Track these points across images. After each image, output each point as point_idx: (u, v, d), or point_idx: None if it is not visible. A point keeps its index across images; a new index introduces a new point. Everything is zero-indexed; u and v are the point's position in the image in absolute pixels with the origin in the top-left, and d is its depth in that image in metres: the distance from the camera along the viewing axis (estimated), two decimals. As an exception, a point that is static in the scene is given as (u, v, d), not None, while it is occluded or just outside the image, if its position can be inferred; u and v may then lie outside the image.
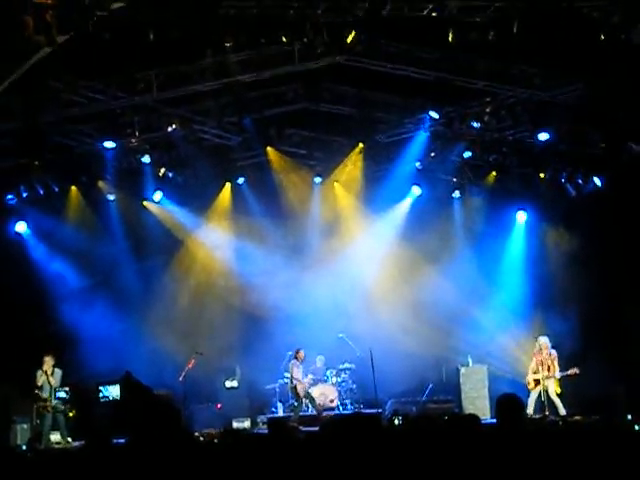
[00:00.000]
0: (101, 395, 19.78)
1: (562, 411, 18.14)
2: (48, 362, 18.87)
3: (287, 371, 21.75)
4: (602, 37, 15.07)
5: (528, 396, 18.56)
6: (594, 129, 19.08)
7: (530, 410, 18.30)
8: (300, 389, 20.63)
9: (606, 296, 19.82)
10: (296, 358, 20.87)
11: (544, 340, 18.92)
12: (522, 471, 5.40)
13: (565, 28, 15.44)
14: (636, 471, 5.61)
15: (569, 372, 18.53)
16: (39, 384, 18.76)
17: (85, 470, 6.25)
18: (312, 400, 20.70)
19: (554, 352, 18.82)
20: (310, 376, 21.17)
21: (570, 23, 15.12)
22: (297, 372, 20.74)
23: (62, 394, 19.17)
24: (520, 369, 19.87)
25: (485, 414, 18.86)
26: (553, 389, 18.56)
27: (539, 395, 18.55)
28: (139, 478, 5.83)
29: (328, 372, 21.94)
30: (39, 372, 18.79)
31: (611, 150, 19.14)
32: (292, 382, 20.69)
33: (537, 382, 18.72)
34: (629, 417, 16.61)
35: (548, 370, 18.65)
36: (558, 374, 18.56)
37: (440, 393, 21.25)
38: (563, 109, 18.80)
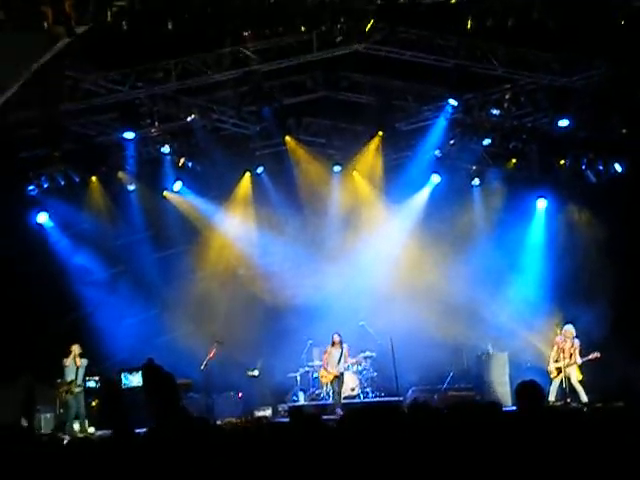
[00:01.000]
0: (123, 383, 19.91)
1: (584, 398, 18.08)
2: (75, 351, 19.02)
3: (309, 359, 21.84)
4: (622, 21, 14.98)
5: (550, 384, 18.50)
6: (614, 114, 18.92)
7: (552, 397, 18.25)
8: (322, 375, 20.77)
9: (628, 283, 19.68)
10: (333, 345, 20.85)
11: (570, 328, 18.82)
12: (542, 457, 5.39)
13: (585, 12, 15.36)
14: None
15: (590, 357, 18.45)
16: (67, 364, 18.91)
17: (111, 459, 6.28)
18: (334, 391, 20.60)
19: (577, 341, 18.70)
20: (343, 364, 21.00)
21: (590, 7, 15.04)
22: (324, 357, 20.86)
23: (92, 383, 19.33)
24: (541, 357, 19.80)
25: (506, 401, 18.80)
26: (575, 376, 18.49)
27: (561, 382, 18.49)
28: (161, 467, 5.85)
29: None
30: (66, 359, 18.97)
31: (632, 135, 19.00)
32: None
33: (559, 370, 18.63)
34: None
35: (570, 358, 18.58)
36: (580, 360, 18.48)
37: (461, 381, 21.23)
38: (583, 95, 18.66)
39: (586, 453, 5.52)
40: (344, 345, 20.74)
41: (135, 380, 19.49)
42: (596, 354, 18.42)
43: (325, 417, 14.84)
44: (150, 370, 6.50)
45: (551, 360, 18.89)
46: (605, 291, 19.66)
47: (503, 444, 5.45)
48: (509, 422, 6.15)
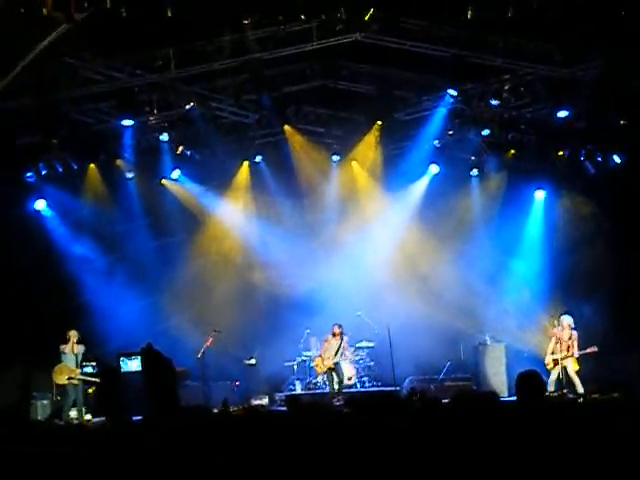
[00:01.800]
0: (121, 368, 19.90)
1: (580, 389, 18.08)
2: (72, 337, 19.03)
3: (306, 349, 21.90)
4: (622, 12, 14.96)
5: (548, 376, 18.49)
6: (614, 105, 18.90)
7: (551, 388, 18.22)
8: (316, 364, 20.84)
9: (627, 274, 19.69)
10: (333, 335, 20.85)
11: (567, 318, 18.75)
12: (541, 447, 5.41)
13: (584, 3, 15.35)
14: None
15: (587, 350, 18.39)
16: (66, 352, 18.94)
17: (106, 446, 6.29)
18: (331, 381, 20.64)
19: (575, 333, 18.61)
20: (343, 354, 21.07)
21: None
22: (324, 345, 20.93)
23: (89, 369, 19.34)
24: (538, 348, 19.81)
25: (503, 392, 18.84)
26: (572, 367, 18.47)
27: (558, 374, 18.50)
28: (158, 455, 5.86)
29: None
30: (64, 346, 18.98)
31: (631, 127, 18.99)
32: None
33: (556, 362, 18.58)
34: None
35: (567, 350, 18.55)
36: (577, 353, 18.45)
37: (458, 371, 21.26)
38: (582, 85, 18.62)
39: (583, 443, 5.54)
40: (344, 337, 20.77)
41: (134, 365, 19.45)
42: (594, 348, 18.39)
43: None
44: (150, 354, 6.51)
45: (548, 351, 18.84)
46: (604, 282, 19.71)
47: (503, 434, 5.47)
48: (509, 412, 6.17)
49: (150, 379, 5.97)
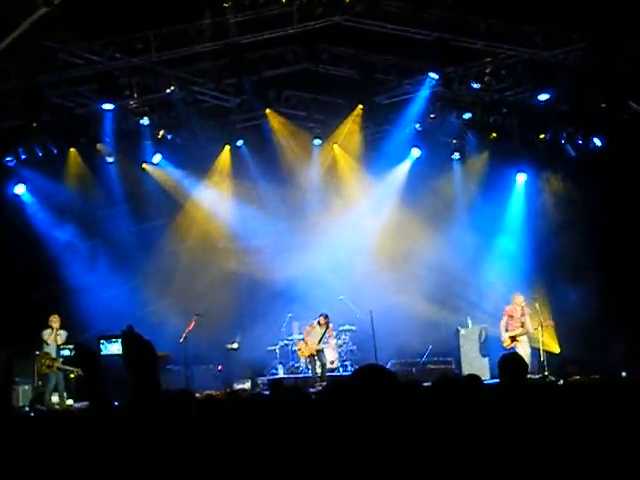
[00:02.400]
0: (101, 352, 19.83)
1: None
2: (54, 324, 18.95)
3: (288, 333, 21.94)
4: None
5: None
6: (595, 88, 18.94)
7: (527, 359, 18.46)
8: (299, 348, 20.91)
9: (608, 257, 19.78)
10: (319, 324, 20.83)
11: (519, 297, 19.01)
12: (526, 430, 5.43)
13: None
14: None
15: (545, 324, 18.82)
16: (49, 342, 18.87)
17: (88, 431, 6.26)
18: (315, 365, 20.68)
19: (527, 309, 18.90)
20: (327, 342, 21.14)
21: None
22: (307, 329, 21.00)
23: (66, 352, 19.28)
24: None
25: (484, 375, 18.89)
26: (527, 346, 18.70)
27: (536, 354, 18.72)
28: (140, 439, 5.84)
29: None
30: (47, 331, 18.90)
31: (612, 109, 19.04)
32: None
33: (512, 339, 18.82)
34: (623, 374, 16.76)
35: (522, 326, 18.78)
36: (531, 329, 18.69)
37: (439, 354, 21.33)
38: (564, 69, 18.64)
39: (563, 424, 5.57)
40: (330, 325, 20.78)
41: (114, 349, 19.38)
42: (550, 322, 18.92)
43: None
44: (129, 337, 6.47)
45: (502, 329, 19.06)
46: (584, 265, 19.78)
47: (485, 417, 5.48)
48: (490, 395, 6.18)
49: (130, 362, 5.92)
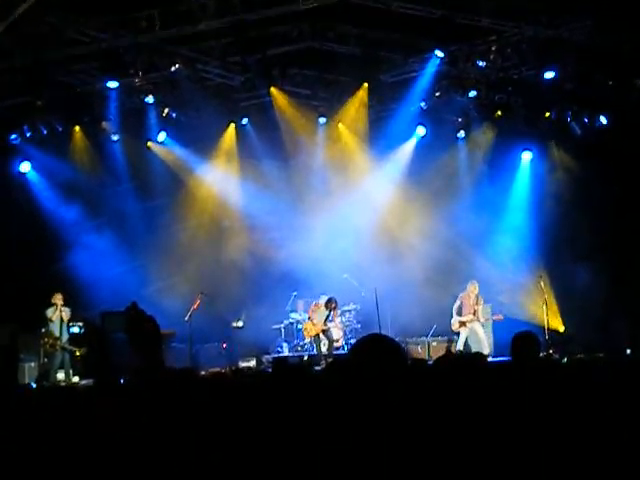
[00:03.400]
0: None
1: (486, 350, 18.52)
2: (58, 303, 19.02)
3: (293, 311, 21.98)
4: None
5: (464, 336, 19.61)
6: (601, 67, 18.86)
7: (460, 347, 19.39)
8: (306, 328, 20.95)
9: (611, 236, 19.77)
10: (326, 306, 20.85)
11: (472, 285, 19.52)
12: (529, 408, 5.44)
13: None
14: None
15: (494, 318, 19.63)
16: (53, 319, 18.94)
17: (94, 407, 6.28)
18: (318, 344, 20.74)
19: (481, 298, 19.46)
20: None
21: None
22: (312, 308, 21.10)
23: (75, 329, 19.33)
24: (525, 309, 19.98)
25: (489, 353, 18.97)
26: (481, 331, 19.32)
27: (467, 336, 19.55)
28: (143, 416, 5.86)
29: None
30: (51, 309, 18.98)
31: (617, 87, 18.96)
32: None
33: (462, 324, 19.45)
34: (628, 352, 16.81)
35: (474, 314, 19.25)
36: (482, 318, 19.32)
37: (444, 333, 21.34)
38: (570, 46, 18.56)
39: (568, 403, 5.58)
40: (337, 310, 20.83)
41: (118, 324, 19.39)
42: (499, 316, 19.52)
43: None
44: (133, 314, 6.50)
45: (454, 313, 19.62)
46: (590, 243, 19.77)
47: (488, 395, 5.49)
48: (505, 372, 6.18)
49: (133, 338, 5.96)
